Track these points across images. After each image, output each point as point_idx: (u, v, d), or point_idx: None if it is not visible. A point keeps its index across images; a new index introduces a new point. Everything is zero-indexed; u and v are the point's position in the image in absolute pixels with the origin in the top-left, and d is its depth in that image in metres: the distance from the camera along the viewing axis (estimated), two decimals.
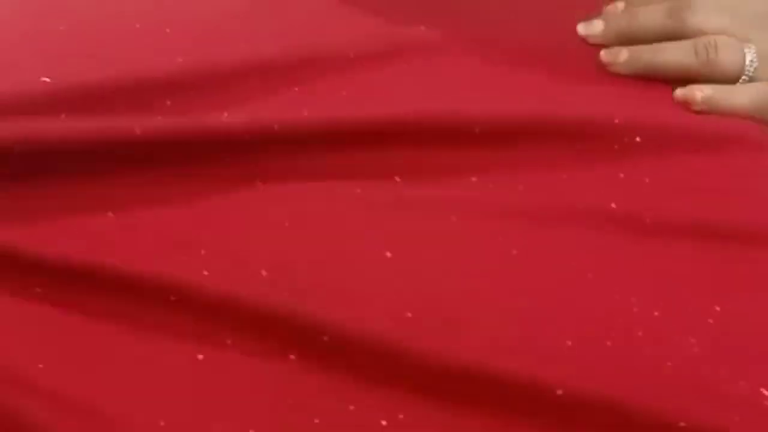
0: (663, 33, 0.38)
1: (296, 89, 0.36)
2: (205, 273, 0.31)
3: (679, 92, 0.37)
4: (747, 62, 0.36)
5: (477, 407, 0.29)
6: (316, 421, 0.29)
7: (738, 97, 0.36)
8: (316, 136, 0.34)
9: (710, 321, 0.31)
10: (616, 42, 0.39)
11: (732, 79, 0.37)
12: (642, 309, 0.32)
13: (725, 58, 0.37)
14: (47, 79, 0.33)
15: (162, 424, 0.29)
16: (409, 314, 0.30)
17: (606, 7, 0.40)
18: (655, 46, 0.38)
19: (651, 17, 0.38)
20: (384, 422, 0.29)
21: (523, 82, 0.38)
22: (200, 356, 0.30)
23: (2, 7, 0.39)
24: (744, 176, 0.37)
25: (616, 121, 0.36)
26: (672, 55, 0.37)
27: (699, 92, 0.36)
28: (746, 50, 0.37)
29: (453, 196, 0.34)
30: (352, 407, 0.29)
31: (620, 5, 0.40)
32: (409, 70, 0.37)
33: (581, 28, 0.39)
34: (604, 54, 0.38)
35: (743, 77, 0.37)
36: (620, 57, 0.38)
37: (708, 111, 0.36)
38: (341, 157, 0.34)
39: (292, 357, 0.30)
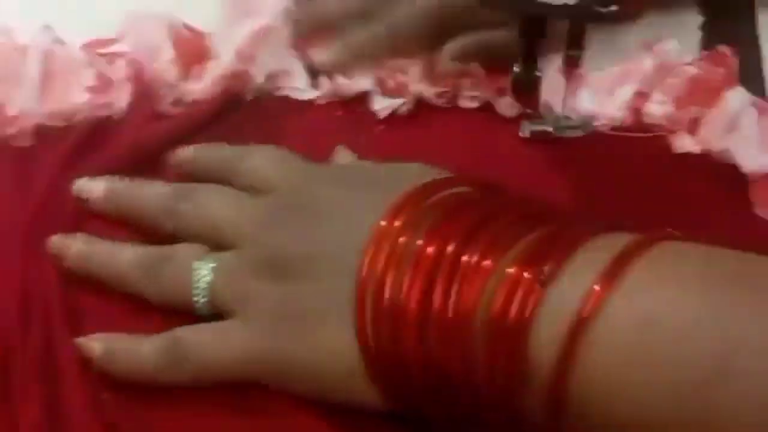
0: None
1: None
2: None
3: (80, 341, 0.28)
4: (196, 283, 0.28)
5: None
6: None
7: (142, 351, 0.28)
8: None
9: None
10: (111, 213, 0.32)
11: (182, 307, 0.29)
12: None
13: (173, 277, 0.28)
14: None
15: None
16: None
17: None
18: (102, 242, 0.30)
19: (145, 204, 0.31)
20: None
21: None
22: None
23: None
24: None
25: None
26: (117, 257, 0.30)
27: (100, 344, 0.28)
28: (197, 265, 0.28)
29: None
30: None
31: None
32: None
33: (77, 185, 0.33)
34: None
35: (196, 300, 0.28)
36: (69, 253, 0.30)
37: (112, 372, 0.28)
38: None
39: None
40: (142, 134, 0.37)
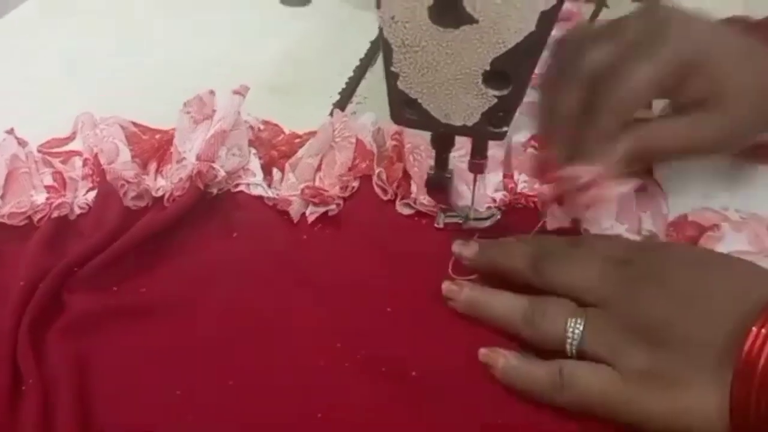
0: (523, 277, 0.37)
1: None
2: None
3: (483, 352, 0.35)
4: (569, 334, 0.34)
5: None
6: None
7: (535, 373, 0.34)
8: None
9: None
10: (483, 268, 0.38)
11: (552, 348, 0.34)
12: None
13: (548, 327, 0.34)
14: None
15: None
16: None
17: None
18: (490, 291, 0.37)
19: (514, 263, 0.37)
20: None
21: None
22: None
23: None
24: None
25: None
26: (501, 307, 0.36)
27: (502, 359, 0.35)
28: (571, 322, 0.34)
29: None
30: None
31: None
32: None
33: (456, 246, 0.39)
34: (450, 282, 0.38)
35: (569, 347, 0.34)
36: (460, 298, 0.37)
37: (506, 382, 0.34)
38: None
39: None
40: (123, 225, 0.39)
